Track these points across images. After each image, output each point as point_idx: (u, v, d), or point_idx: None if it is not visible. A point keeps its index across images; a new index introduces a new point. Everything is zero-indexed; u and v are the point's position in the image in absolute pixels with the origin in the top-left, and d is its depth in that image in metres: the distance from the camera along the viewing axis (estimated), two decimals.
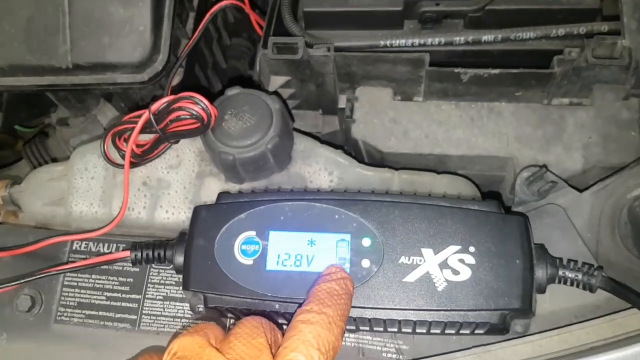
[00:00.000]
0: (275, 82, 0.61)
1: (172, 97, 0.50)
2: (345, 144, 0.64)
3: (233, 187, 0.55)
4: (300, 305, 0.43)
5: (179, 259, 0.47)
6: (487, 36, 0.58)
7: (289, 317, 0.45)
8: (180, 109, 0.49)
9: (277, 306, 0.44)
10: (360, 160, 0.57)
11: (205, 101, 0.49)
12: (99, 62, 0.57)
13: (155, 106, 0.50)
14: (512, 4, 0.58)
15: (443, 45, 0.59)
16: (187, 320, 0.51)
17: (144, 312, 0.52)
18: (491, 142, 0.58)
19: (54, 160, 0.73)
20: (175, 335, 0.50)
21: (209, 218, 0.47)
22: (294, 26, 0.61)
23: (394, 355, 0.49)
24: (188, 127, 0.51)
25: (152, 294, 0.52)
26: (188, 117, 0.49)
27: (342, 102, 0.62)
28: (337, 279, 0.42)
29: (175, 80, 0.63)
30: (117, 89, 0.62)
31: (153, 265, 0.53)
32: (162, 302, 0.52)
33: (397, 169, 0.55)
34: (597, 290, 0.45)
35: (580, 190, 0.52)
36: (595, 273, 0.44)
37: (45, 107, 0.73)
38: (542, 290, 0.45)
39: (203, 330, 0.39)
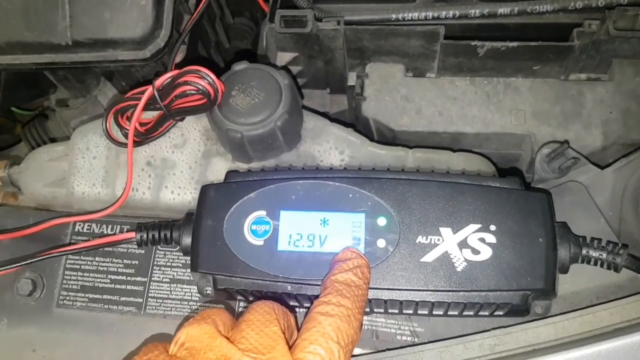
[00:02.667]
0: (283, 58, 0.59)
1: (176, 71, 0.48)
2: (354, 122, 0.62)
3: (240, 167, 0.53)
4: (314, 289, 0.42)
5: (187, 240, 0.46)
6: (503, 9, 0.56)
7: (302, 299, 0.43)
8: (185, 83, 0.47)
9: (289, 287, 0.43)
10: (371, 139, 0.55)
11: (212, 75, 0.47)
12: (100, 38, 0.55)
13: (159, 81, 0.48)
14: None
15: (457, 19, 0.56)
16: (194, 303, 0.50)
17: (150, 295, 0.50)
18: (508, 118, 0.56)
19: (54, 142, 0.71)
20: (183, 320, 0.49)
21: (217, 197, 0.45)
22: None
23: (409, 338, 0.47)
24: (194, 103, 0.49)
25: (158, 277, 0.51)
26: (194, 92, 0.47)
27: (351, 80, 0.61)
28: (354, 268, 0.40)
29: (178, 58, 0.60)
30: (119, 66, 0.59)
31: (159, 246, 0.51)
32: (168, 285, 0.50)
33: (410, 148, 0.53)
34: (621, 270, 0.43)
35: (602, 167, 0.50)
36: (620, 252, 0.43)
37: (44, 88, 0.72)
38: (564, 270, 0.43)
39: (211, 317, 0.37)
